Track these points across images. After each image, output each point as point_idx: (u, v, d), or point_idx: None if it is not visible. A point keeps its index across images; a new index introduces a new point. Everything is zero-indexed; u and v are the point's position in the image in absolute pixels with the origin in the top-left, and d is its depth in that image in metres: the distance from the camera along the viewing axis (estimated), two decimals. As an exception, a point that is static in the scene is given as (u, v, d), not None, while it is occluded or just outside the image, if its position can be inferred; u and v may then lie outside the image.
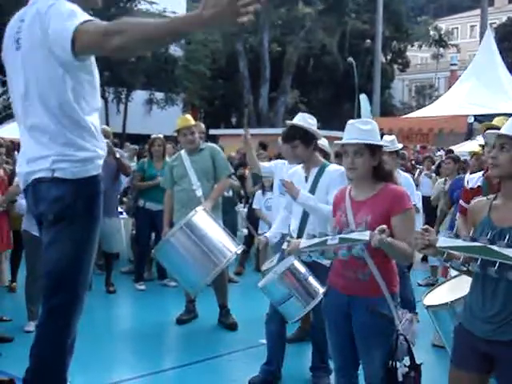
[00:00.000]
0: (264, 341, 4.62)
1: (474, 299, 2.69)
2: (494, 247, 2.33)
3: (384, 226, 2.87)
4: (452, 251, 2.52)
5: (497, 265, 2.32)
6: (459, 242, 2.45)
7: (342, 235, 2.93)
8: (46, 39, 2.54)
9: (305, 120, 4.37)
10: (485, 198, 2.82)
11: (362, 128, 3.18)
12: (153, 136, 7.65)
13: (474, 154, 6.76)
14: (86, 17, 2.50)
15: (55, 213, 2.71)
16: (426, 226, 2.69)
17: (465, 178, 6.77)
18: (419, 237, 2.62)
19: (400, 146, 6.06)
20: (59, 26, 2.48)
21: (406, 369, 3.05)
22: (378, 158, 3.19)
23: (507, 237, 2.36)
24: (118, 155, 6.70)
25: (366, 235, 2.85)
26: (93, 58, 2.74)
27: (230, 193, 8.06)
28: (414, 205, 6.15)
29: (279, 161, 5.75)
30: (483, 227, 2.63)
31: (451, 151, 11.66)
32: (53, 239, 2.76)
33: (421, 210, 7.96)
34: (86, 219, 2.77)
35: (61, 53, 2.51)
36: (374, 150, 3.17)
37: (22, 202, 5.29)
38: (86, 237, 2.80)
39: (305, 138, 4.25)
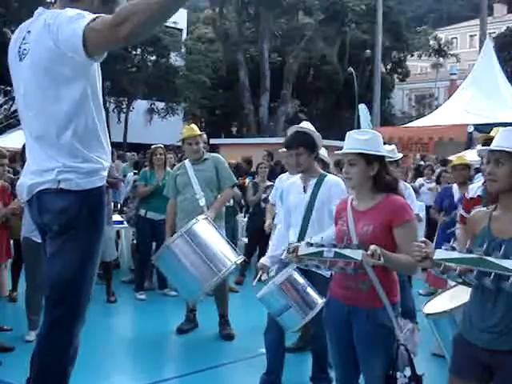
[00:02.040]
0: (264, 350, 4.62)
1: (474, 309, 2.69)
2: (490, 258, 2.32)
3: (375, 248, 2.86)
4: (448, 263, 2.52)
5: (492, 275, 2.32)
6: (455, 254, 2.45)
7: (337, 249, 2.94)
8: (58, 48, 2.54)
9: (309, 127, 4.43)
10: (484, 208, 2.82)
11: (358, 138, 3.19)
12: (153, 146, 7.68)
13: (453, 166, 6.79)
14: (91, 16, 2.49)
15: (60, 224, 2.71)
16: (424, 239, 2.70)
17: (453, 187, 6.82)
18: (416, 249, 2.63)
19: (400, 155, 6.08)
20: (67, 32, 2.49)
21: (406, 379, 3.05)
22: (375, 168, 3.18)
23: (503, 248, 2.36)
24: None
25: (358, 254, 2.86)
26: (97, 69, 2.76)
27: (231, 202, 8.08)
28: (417, 214, 6.18)
29: (283, 175, 6.06)
30: (483, 238, 2.63)
31: (446, 161, 11.68)
32: (57, 250, 2.76)
33: (424, 220, 8.00)
34: (90, 230, 2.78)
35: (76, 57, 2.51)
36: (370, 159, 3.17)
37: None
38: (90, 248, 2.81)
39: (309, 145, 4.28)
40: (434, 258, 2.54)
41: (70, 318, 2.81)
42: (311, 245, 3.08)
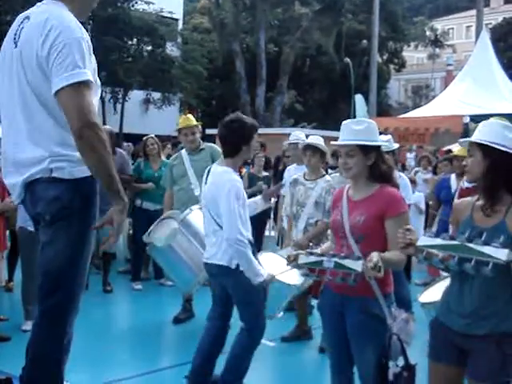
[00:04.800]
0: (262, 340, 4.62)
1: (452, 294, 2.75)
2: (471, 245, 2.38)
3: (377, 260, 2.82)
4: (431, 249, 2.58)
5: (473, 261, 2.37)
6: (438, 241, 2.51)
7: (337, 259, 2.93)
8: (42, 55, 2.57)
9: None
10: (469, 198, 2.87)
11: (355, 128, 3.19)
12: (145, 137, 7.68)
13: (455, 156, 6.81)
14: (82, 77, 2.55)
15: (52, 213, 2.71)
16: (408, 226, 2.74)
17: (451, 178, 6.83)
18: (400, 236, 2.68)
19: (396, 145, 6.07)
20: (55, 70, 2.55)
21: (399, 368, 3.06)
22: (372, 158, 3.18)
23: (484, 235, 2.42)
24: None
25: (358, 266, 2.84)
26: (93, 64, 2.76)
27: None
28: (409, 205, 6.18)
29: (291, 167, 6.68)
30: (465, 226, 2.69)
31: (435, 151, 11.68)
32: (50, 239, 2.76)
33: (424, 212, 8.02)
34: (82, 219, 2.78)
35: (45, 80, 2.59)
36: (368, 149, 3.17)
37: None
38: (83, 237, 2.81)
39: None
40: (417, 244, 2.61)
41: (64, 307, 2.82)
42: (312, 254, 3.08)
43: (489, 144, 2.63)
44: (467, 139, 2.76)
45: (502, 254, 2.29)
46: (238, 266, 3.94)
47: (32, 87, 2.65)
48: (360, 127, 3.19)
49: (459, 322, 2.68)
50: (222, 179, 3.93)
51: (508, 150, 2.61)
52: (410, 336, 3.16)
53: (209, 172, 4.12)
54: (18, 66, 2.68)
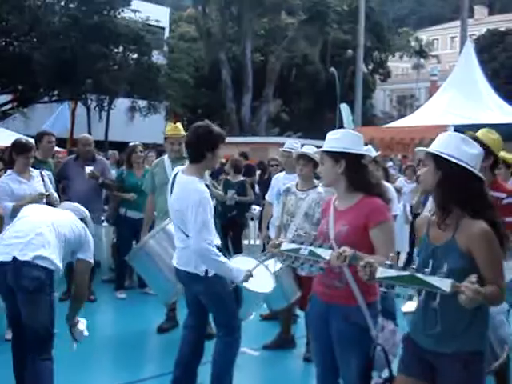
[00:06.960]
0: (244, 349, 4.60)
1: (418, 315, 2.77)
2: (419, 275, 2.40)
3: (343, 249, 2.86)
4: (387, 282, 2.54)
5: (423, 292, 2.39)
6: (392, 272, 2.50)
7: (312, 248, 2.98)
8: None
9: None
10: (426, 213, 2.87)
11: (330, 137, 3.26)
12: (132, 143, 7.63)
13: None
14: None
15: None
16: (368, 259, 2.69)
17: None
18: (361, 270, 2.66)
19: (375, 154, 6.02)
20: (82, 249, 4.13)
21: (381, 380, 3.04)
22: (342, 166, 3.18)
23: (431, 263, 2.44)
24: (100, 180, 6.71)
25: (327, 254, 2.90)
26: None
27: (214, 201, 8.07)
28: (395, 216, 6.17)
29: (280, 175, 6.60)
30: (421, 246, 2.73)
31: (419, 161, 11.71)
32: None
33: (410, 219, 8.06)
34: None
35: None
36: (336, 157, 3.18)
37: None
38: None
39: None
40: (377, 276, 2.57)
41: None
42: (293, 241, 3.11)
43: (441, 155, 2.62)
44: (423, 148, 2.75)
45: (446, 285, 2.32)
46: (206, 272, 3.92)
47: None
48: (334, 136, 3.25)
49: (426, 341, 2.69)
50: (189, 189, 3.89)
51: (460, 163, 2.59)
52: (396, 347, 3.16)
53: (174, 179, 4.11)
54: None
